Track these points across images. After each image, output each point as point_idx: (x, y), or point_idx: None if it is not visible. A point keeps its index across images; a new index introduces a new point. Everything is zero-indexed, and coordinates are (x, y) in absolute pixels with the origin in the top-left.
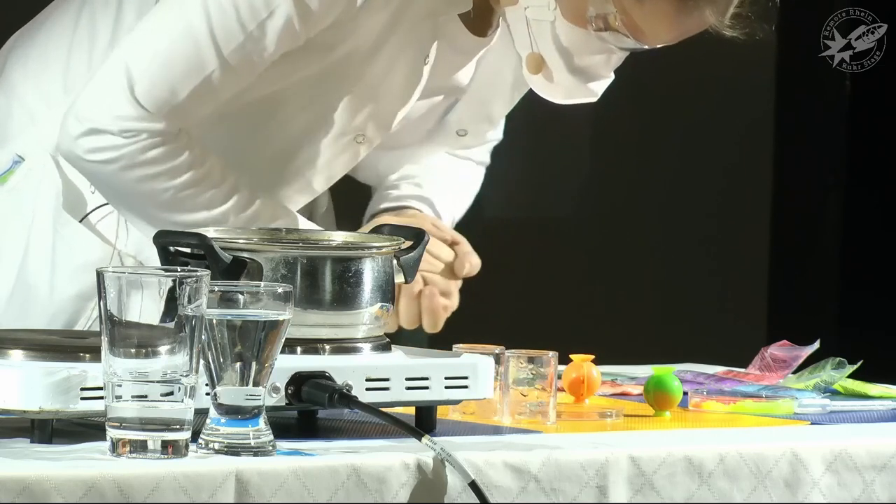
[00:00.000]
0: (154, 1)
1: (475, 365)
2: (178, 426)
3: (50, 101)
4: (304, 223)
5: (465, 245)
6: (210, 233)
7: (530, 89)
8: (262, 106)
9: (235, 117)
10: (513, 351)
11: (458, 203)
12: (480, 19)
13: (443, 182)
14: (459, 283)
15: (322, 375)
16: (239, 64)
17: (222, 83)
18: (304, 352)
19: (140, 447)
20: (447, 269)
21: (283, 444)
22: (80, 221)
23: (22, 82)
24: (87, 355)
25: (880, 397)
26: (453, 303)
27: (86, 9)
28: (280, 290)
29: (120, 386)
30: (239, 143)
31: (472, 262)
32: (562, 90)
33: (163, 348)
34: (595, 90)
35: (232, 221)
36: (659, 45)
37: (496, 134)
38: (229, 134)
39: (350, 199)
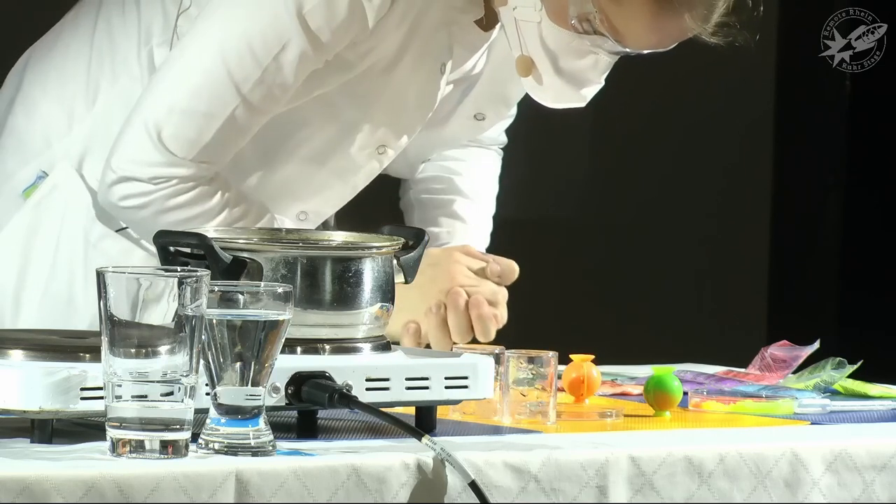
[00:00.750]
0: (175, 12)
1: (475, 365)
2: (178, 426)
3: (73, 115)
4: None
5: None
6: (210, 233)
7: None
8: (284, 123)
9: (258, 135)
10: (513, 351)
11: (490, 207)
12: (486, 14)
13: (478, 206)
14: (506, 295)
15: (322, 375)
16: (260, 99)
17: (246, 120)
18: (304, 352)
19: (140, 447)
20: (481, 275)
21: (283, 444)
22: (117, 232)
23: (43, 99)
24: (87, 355)
25: (880, 397)
26: (502, 313)
27: (101, 20)
28: (280, 290)
29: (120, 386)
30: (263, 160)
31: (501, 263)
32: (551, 93)
33: (163, 348)
34: (584, 95)
35: None
36: (644, 51)
37: (508, 112)
38: (252, 152)
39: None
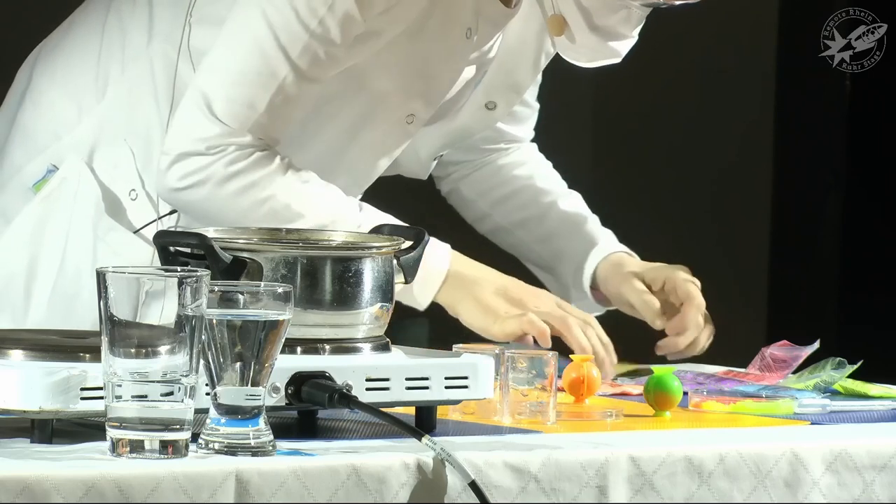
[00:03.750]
0: (186, 5)
1: (475, 365)
2: (178, 426)
3: (82, 107)
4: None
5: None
6: (210, 233)
7: (554, 57)
8: (312, 99)
9: None
10: (513, 351)
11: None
12: None
13: (570, 196)
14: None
15: (322, 375)
16: (310, 65)
17: (298, 87)
18: (304, 352)
19: (140, 447)
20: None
21: (283, 444)
22: (135, 233)
23: (51, 92)
24: (87, 355)
25: (880, 397)
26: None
27: (112, 12)
28: (280, 290)
29: (120, 386)
30: (293, 138)
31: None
32: (585, 51)
33: (163, 348)
34: (618, 50)
35: (344, 225)
36: (677, 3)
37: (518, 99)
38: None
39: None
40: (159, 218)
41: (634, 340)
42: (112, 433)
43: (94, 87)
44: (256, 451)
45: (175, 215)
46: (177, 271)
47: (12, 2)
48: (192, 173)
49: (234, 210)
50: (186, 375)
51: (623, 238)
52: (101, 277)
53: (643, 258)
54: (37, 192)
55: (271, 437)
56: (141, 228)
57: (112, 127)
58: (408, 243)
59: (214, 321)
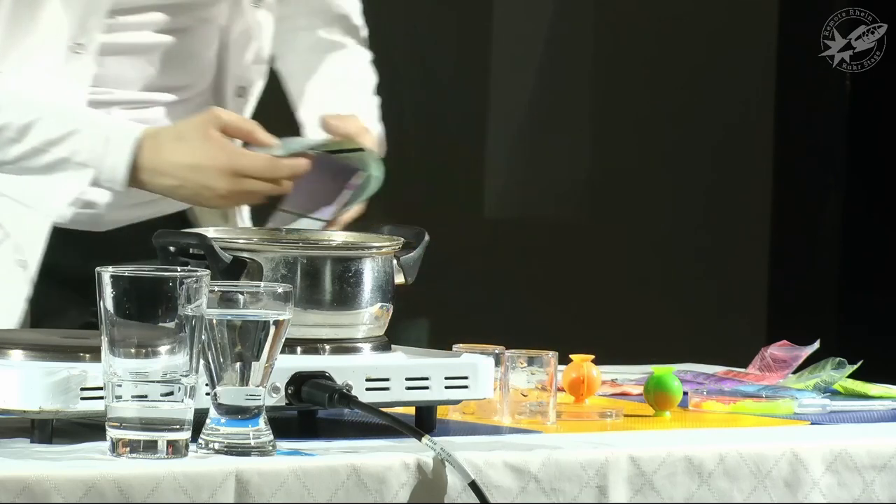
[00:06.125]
0: None
1: (475, 365)
2: (178, 426)
3: None
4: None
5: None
6: (210, 233)
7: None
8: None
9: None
10: (513, 351)
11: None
12: None
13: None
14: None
15: (322, 375)
16: None
17: None
18: (304, 352)
19: (140, 447)
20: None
21: (283, 444)
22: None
23: None
24: (87, 355)
25: (880, 397)
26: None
27: None
28: (280, 290)
29: (120, 386)
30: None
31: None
32: None
33: (163, 348)
34: None
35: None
36: None
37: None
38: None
39: None
40: None
41: (635, 341)
42: (112, 433)
43: None
44: (256, 451)
45: None
46: (177, 271)
47: None
48: None
49: None
50: (186, 375)
51: (623, 237)
52: (100, 277)
53: (644, 257)
54: None
55: (271, 437)
56: None
57: None
58: (408, 243)
59: (214, 321)
